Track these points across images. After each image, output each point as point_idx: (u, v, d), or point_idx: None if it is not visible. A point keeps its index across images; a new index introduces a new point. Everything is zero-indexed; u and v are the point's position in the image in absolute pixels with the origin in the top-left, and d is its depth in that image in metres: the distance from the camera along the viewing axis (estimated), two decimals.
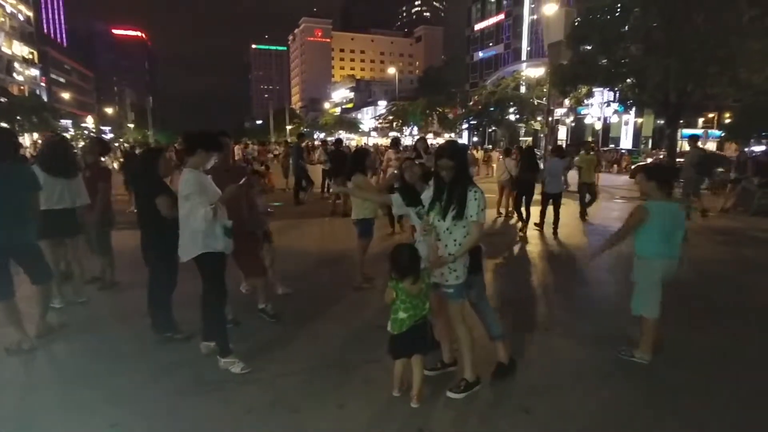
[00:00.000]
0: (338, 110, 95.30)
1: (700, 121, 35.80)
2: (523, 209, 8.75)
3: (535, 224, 8.84)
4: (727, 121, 25.96)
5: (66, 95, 74.97)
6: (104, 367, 3.51)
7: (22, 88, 62.57)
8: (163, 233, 3.67)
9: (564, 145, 38.53)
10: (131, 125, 75.96)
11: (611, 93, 25.26)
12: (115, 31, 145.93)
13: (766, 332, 4.35)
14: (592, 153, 11.07)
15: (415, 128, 54.76)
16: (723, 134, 25.47)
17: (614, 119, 39.00)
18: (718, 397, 3.18)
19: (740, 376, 3.47)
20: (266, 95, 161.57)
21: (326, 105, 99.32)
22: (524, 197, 8.71)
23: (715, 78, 12.36)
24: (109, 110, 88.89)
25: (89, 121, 78.15)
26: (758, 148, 21.36)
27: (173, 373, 3.40)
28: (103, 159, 5.84)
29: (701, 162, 10.48)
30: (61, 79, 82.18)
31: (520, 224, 8.78)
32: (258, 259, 4.19)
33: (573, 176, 9.88)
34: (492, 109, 39.63)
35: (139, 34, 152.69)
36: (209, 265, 3.40)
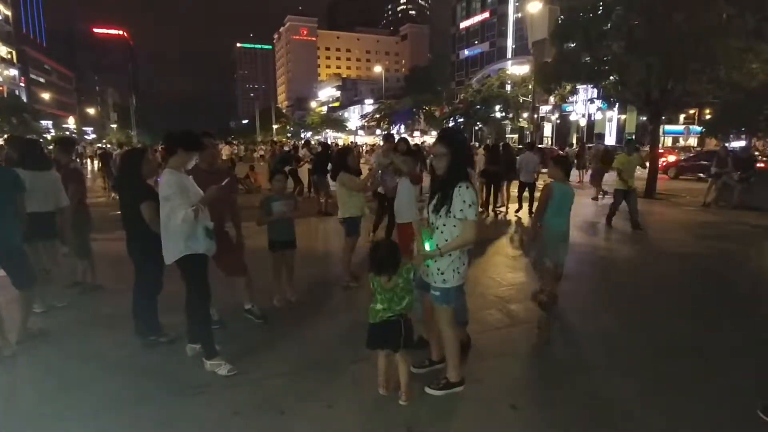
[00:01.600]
0: (325, 109, 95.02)
1: (681, 117, 36.41)
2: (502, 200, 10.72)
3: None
4: (708, 117, 26.46)
5: (46, 95, 73.41)
6: (87, 372, 3.44)
7: (0, 88, 61.16)
8: (148, 234, 3.60)
9: (550, 142, 39.11)
10: (114, 126, 74.63)
11: (595, 90, 25.56)
12: (96, 30, 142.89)
13: (748, 325, 4.44)
14: (635, 154, 9.06)
15: (402, 127, 54.76)
16: (703, 130, 25.94)
17: (598, 116, 39.58)
18: (703, 390, 3.23)
19: (724, 370, 3.53)
20: (252, 94, 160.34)
21: (313, 104, 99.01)
22: (492, 186, 10.41)
23: (696, 75, 12.57)
24: (91, 111, 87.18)
25: (71, 122, 76.68)
26: (738, 144, 21.87)
27: (158, 377, 3.35)
28: (78, 161, 5.72)
29: (605, 154, 13.71)
30: (41, 79, 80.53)
31: (492, 214, 10.37)
32: (238, 258, 4.15)
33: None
34: (478, 107, 39.89)
35: (120, 32, 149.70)
36: (192, 268, 3.36)
